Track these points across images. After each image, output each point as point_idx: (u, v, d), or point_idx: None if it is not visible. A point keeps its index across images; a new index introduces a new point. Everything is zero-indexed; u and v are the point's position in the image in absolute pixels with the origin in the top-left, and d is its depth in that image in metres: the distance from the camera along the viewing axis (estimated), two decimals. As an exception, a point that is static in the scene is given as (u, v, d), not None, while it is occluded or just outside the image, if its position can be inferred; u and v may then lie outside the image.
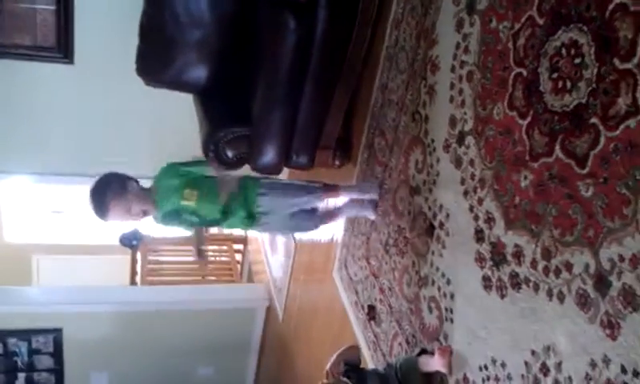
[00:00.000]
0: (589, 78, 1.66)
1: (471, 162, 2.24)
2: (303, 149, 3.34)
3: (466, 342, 2.27)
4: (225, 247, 6.96)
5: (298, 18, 2.85)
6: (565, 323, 1.75)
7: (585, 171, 1.68)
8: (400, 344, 2.80)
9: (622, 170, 1.55)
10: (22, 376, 5.37)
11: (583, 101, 1.69)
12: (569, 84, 1.74)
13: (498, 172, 2.08)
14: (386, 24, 3.00)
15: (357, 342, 3.18)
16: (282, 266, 5.05)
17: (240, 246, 6.87)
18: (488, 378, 2.13)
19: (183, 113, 3.84)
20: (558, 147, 1.79)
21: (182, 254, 6.91)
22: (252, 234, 6.33)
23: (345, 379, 2.45)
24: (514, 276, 1.98)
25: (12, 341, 5.21)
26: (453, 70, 2.38)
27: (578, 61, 1.70)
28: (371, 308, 3.09)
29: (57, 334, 5.24)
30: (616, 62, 1.57)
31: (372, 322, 3.09)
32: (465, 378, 2.27)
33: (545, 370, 1.84)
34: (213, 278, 6.78)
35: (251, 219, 2.79)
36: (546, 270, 1.83)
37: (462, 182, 2.29)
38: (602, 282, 1.62)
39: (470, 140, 2.25)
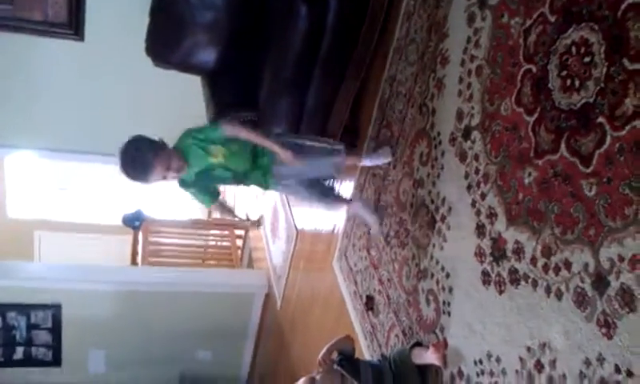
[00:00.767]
0: (598, 77, 1.66)
1: (476, 157, 2.24)
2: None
3: (462, 336, 2.28)
4: (226, 232, 6.97)
5: (310, 5, 2.85)
6: (561, 321, 1.76)
7: (589, 170, 1.68)
8: (397, 335, 2.81)
9: (626, 171, 1.55)
10: (20, 349, 5.40)
11: (591, 100, 1.69)
12: (577, 82, 1.74)
13: (502, 168, 2.08)
14: (398, 15, 2.99)
15: (353, 332, 3.19)
16: (282, 254, 5.06)
17: (241, 232, 6.88)
18: (482, 372, 2.13)
19: (193, 92, 3.83)
20: (563, 145, 1.79)
21: (182, 237, 6.94)
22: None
23: (338, 368, 2.47)
24: (513, 272, 1.99)
25: (11, 314, 5.23)
26: (462, 63, 2.38)
27: (587, 59, 1.70)
28: (369, 298, 3.10)
29: (56, 310, 5.26)
30: (625, 62, 1.57)
31: (370, 313, 3.10)
32: (459, 372, 2.28)
33: (539, 366, 1.85)
34: (213, 262, 6.80)
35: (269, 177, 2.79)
36: (546, 268, 1.83)
37: (466, 176, 2.29)
38: (600, 282, 1.63)
39: (476, 135, 2.25)
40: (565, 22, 1.81)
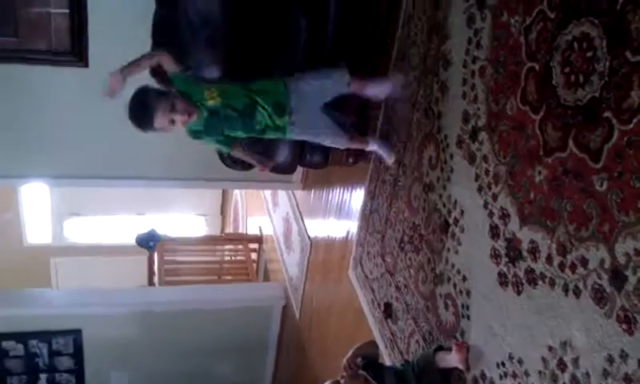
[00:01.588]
0: (601, 72, 1.65)
1: (485, 158, 2.23)
2: (318, 146, 3.33)
3: (482, 339, 2.26)
4: (240, 246, 6.99)
5: (310, 17, 2.85)
6: (581, 318, 1.75)
7: (599, 165, 1.67)
8: (417, 341, 2.80)
9: (636, 164, 1.54)
10: (43, 377, 5.46)
11: (596, 94, 1.67)
12: (581, 78, 1.73)
13: (511, 167, 2.07)
14: (397, 21, 2.99)
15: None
16: (297, 265, 5.06)
17: (255, 245, 6.89)
18: (505, 375, 2.12)
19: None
20: (571, 142, 1.78)
21: (197, 254, 6.96)
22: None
23: (362, 372, 2.47)
24: (529, 272, 1.97)
25: (33, 343, 5.28)
26: (465, 65, 2.37)
27: (589, 54, 1.69)
28: (387, 306, 3.10)
29: (76, 335, 5.30)
30: (628, 55, 1.56)
31: (388, 320, 3.09)
32: (482, 375, 2.26)
33: (562, 365, 1.83)
34: (229, 277, 6.81)
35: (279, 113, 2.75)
36: (562, 266, 1.82)
37: (477, 178, 2.28)
38: (617, 277, 1.61)
39: (483, 136, 2.24)
40: (564, 17, 1.80)
